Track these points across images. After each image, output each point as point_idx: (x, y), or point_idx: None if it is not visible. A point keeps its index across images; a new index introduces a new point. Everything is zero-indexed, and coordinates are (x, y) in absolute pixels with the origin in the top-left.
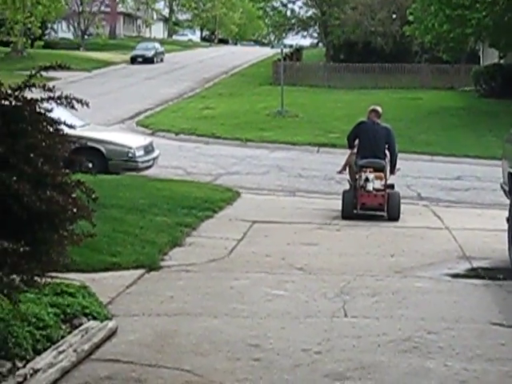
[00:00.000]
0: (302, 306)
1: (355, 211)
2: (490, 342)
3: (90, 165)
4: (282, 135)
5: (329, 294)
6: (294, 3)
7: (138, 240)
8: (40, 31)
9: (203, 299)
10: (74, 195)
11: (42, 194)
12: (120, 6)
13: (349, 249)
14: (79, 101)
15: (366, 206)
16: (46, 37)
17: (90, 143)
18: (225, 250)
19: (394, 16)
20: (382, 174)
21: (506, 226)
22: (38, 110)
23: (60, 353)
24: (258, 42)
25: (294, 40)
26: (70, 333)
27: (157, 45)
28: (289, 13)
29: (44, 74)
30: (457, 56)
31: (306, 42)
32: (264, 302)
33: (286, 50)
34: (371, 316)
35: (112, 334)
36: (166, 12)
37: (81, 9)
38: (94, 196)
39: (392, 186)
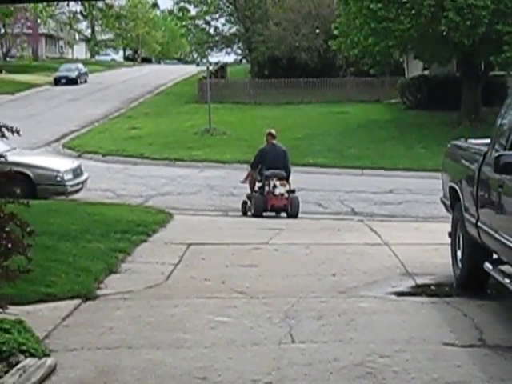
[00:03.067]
0: (247, 332)
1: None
2: (445, 363)
3: (18, 190)
4: (211, 154)
5: (274, 318)
6: (216, 20)
7: (72, 268)
8: None
9: (144, 329)
10: (7, 229)
11: None
12: (42, 27)
13: (289, 269)
14: (9, 129)
15: (274, 207)
16: None
17: (17, 168)
18: (162, 276)
19: (318, 31)
20: (285, 182)
21: (446, 240)
22: None
23: None
24: (181, 60)
25: (217, 57)
26: (6, 372)
27: (80, 65)
28: (212, 30)
29: None
30: (383, 69)
31: (230, 58)
32: (207, 329)
33: (211, 68)
34: (319, 340)
35: (51, 371)
36: (88, 32)
37: (2, 31)
38: (29, 229)
39: (293, 191)
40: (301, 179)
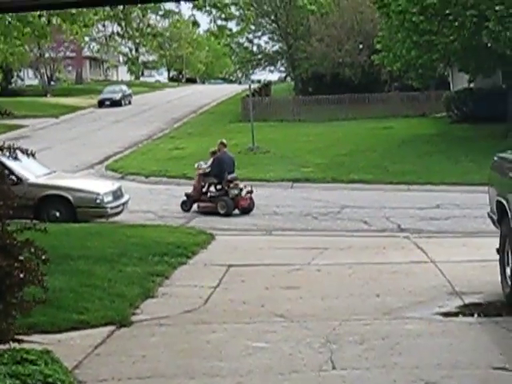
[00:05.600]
0: (285, 359)
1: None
2: None
3: (58, 213)
4: (255, 172)
5: (314, 343)
6: (259, 38)
7: (106, 294)
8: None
9: (178, 357)
10: (21, 257)
11: None
12: (85, 50)
13: (331, 290)
14: (24, 151)
15: (243, 207)
16: (13, 85)
17: (56, 191)
18: (200, 300)
19: (361, 46)
20: (245, 184)
21: (495, 257)
22: None
23: None
24: (225, 80)
25: (261, 75)
26: None
27: (124, 87)
28: (255, 48)
29: (12, 122)
30: (426, 82)
31: (274, 76)
32: (244, 356)
33: (254, 86)
34: (362, 367)
35: None
36: (132, 54)
37: (45, 55)
38: (44, 257)
39: (251, 192)
40: (345, 196)
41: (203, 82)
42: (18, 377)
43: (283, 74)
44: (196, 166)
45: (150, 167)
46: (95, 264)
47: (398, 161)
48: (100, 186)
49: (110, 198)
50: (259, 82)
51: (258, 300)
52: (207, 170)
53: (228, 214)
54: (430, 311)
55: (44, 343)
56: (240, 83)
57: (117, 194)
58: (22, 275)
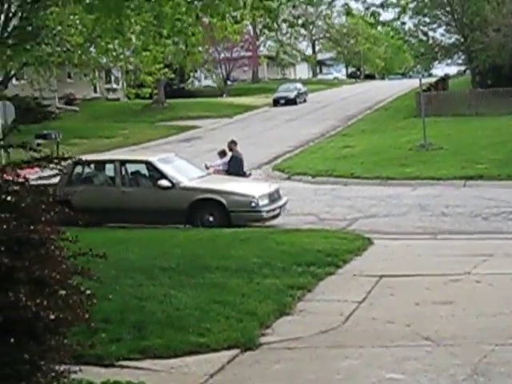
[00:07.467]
0: None
1: None
2: None
3: (211, 218)
4: (425, 170)
5: (458, 375)
6: (434, 31)
7: (235, 311)
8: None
9: None
10: (61, 293)
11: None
12: (262, 49)
13: (489, 307)
14: (63, 158)
15: None
16: (189, 86)
17: (209, 195)
18: (340, 317)
19: None
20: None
21: None
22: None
23: None
24: (404, 75)
25: (438, 69)
26: None
27: (299, 85)
28: (431, 41)
29: (185, 123)
30: None
31: (453, 70)
32: None
33: (427, 80)
34: None
35: None
36: (309, 52)
37: (221, 56)
38: (88, 293)
39: None
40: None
41: (382, 78)
42: None
43: (462, 68)
44: (205, 165)
45: (318, 166)
46: (232, 276)
47: None
48: (255, 189)
49: (265, 201)
50: (430, 75)
51: (404, 318)
52: (220, 168)
53: None
54: None
55: (154, 370)
56: (410, 77)
57: (273, 197)
58: (52, 316)
